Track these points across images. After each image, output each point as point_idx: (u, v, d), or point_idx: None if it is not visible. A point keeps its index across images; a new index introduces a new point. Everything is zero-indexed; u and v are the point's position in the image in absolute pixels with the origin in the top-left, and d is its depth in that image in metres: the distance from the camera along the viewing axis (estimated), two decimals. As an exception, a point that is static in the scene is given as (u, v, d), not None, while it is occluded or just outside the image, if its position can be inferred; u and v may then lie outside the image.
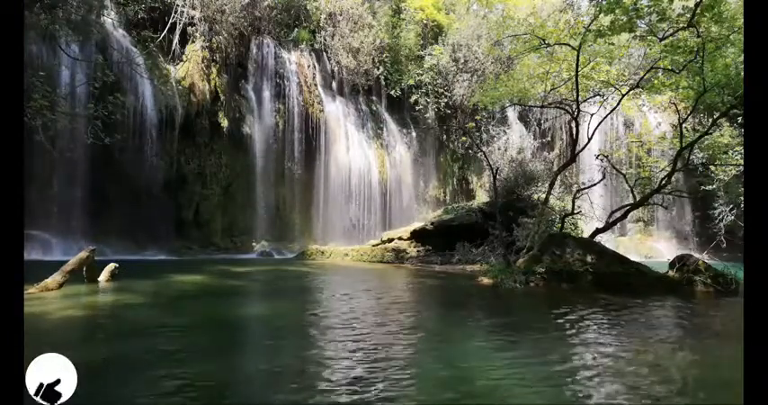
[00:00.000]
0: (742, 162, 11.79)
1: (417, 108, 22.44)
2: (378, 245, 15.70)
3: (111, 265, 7.99)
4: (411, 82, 22.13)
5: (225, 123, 17.52)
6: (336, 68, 21.05)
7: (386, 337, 4.81)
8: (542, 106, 14.58)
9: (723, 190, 17.60)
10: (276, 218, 18.83)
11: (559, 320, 5.77)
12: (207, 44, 17.31)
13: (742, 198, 14.48)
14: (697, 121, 19.46)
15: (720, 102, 10.09)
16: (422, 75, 22.29)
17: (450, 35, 22.96)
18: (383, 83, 22.10)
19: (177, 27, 16.66)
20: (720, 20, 8.69)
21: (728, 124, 15.59)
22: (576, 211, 11.50)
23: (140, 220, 14.66)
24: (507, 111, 23.21)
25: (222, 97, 17.63)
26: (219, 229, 17.46)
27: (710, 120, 11.46)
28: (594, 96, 11.99)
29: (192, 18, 16.96)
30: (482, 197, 20.53)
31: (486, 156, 13.57)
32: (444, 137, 23.65)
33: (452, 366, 3.76)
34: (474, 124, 21.12)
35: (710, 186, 17.21)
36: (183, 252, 15.46)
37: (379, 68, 21.49)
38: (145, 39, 15.95)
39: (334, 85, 21.19)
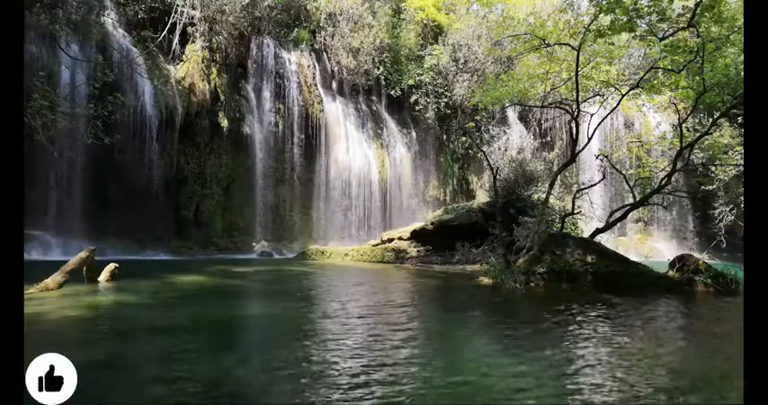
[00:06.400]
0: (742, 162, 11.79)
1: (417, 108, 22.45)
2: (378, 245, 15.70)
3: (112, 265, 7.99)
4: (411, 82, 22.13)
5: (225, 123, 17.53)
6: (336, 68, 21.05)
7: (386, 338, 4.80)
8: (542, 106, 14.58)
9: (723, 190, 17.59)
10: (276, 218, 18.83)
11: (560, 321, 5.77)
12: (207, 44, 17.31)
13: (742, 198, 14.47)
14: (697, 121, 19.42)
15: (720, 102, 10.09)
16: (422, 75, 22.29)
17: (450, 35, 22.97)
18: (383, 83, 22.11)
19: (177, 27, 16.68)
20: (720, 20, 8.70)
21: (728, 124, 15.60)
22: (576, 211, 11.50)
23: (140, 220, 14.66)
24: (507, 111, 23.22)
25: (222, 97, 17.64)
26: (219, 229, 17.47)
27: (710, 120, 11.45)
28: (594, 96, 11.97)
29: (192, 18, 16.97)
30: (482, 197, 20.53)
31: (486, 156, 13.56)
32: (444, 137, 23.65)
33: (453, 367, 3.76)
34: (474, 124, 21.12)
35: (710, 186, 17.19)
36: (182, 252, 15.46)
37: (379, 68, 21.49)
38: (145, 39, 15.97)
39: (334, 85, 21.19)
